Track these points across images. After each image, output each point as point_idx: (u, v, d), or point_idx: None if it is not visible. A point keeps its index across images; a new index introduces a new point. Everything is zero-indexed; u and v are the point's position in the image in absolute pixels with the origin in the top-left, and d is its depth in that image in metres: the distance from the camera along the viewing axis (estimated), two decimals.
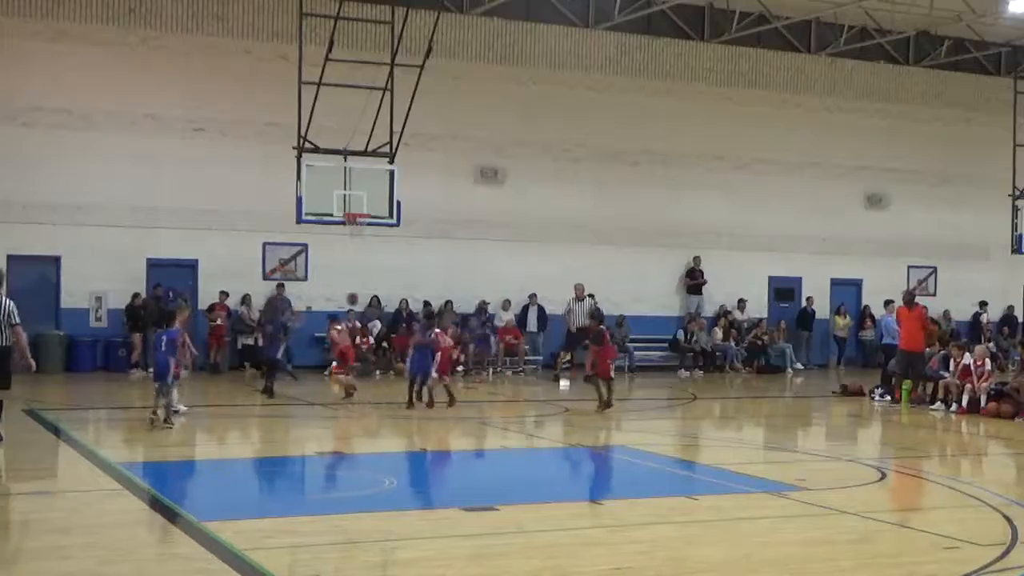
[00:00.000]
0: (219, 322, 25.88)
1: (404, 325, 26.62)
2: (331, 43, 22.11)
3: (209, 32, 26.40)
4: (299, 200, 21.80)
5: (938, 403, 21.15)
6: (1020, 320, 33.72)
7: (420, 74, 22.40)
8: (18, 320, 14.23)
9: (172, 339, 16.67)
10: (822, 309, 31.95)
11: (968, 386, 20.57)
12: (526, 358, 28.01)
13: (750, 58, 31.27)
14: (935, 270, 33.66)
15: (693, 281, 30.66)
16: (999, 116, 30.84)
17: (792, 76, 31.86)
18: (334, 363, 22.77)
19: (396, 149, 22.33)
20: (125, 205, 25.67)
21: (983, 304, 33.34)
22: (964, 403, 20.48)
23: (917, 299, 23.60)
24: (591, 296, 27.44)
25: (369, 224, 22.92)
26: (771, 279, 32.04)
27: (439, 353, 19.16)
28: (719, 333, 30.06)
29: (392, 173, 22.33)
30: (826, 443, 18.25)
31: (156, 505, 11.10)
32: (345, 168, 22.03)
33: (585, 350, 22.08)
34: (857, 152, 32.22)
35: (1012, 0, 26.84)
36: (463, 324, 26.95)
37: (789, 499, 11.72)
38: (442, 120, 27.27)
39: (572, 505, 11.44)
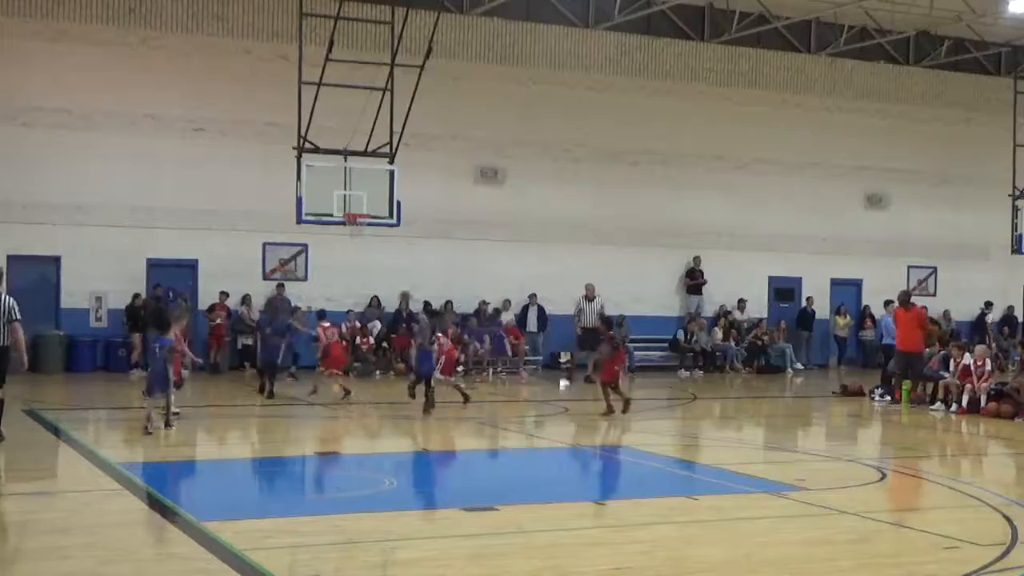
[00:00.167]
0: (219, 322, 25.89)
1: (404, 325, 26.62)
2: (331, 43, 22.11)
3: (209, 32, 26.41)
4: (299, 200, 21.80)
5: (938, 403, 21.15)
6: (1020, 320, 33.72)
7: (420, 74, 22.40)
8: (19, 316, 14.20)
9: (164, 346, 16.16)
10: (822, 309, 31.95)
11: (968, 386, 20.57)
12: (526, 358, 27.99)
13: (750, 58, 31.27)
14: (935, 270, 33.66)
15: (693, 281, 30.67)
16: (999, 116, 30.84)
17: (792, 76, 31.86)
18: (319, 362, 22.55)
19: (396, 149, 22.33)
20: (125, 205, 25.68)
21: (988, 304, 33.35)
22: (964, 403, 20.48)
23: (914, 299, 23.61)
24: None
25: (369, 224, 22.92)
26: (771, 279, 32.04)
27: (443, 356, 19.18)
28: (719, 333, 30.06)
29: (392, 173, 22.33)
30: (826, 443, 18.25)
31: (156, 505, 11.10)
32: (345, 168, 22.03)
33: (593, 351, 22.08)
34: (857, 152, 32.22)
35: (1012, 0, 26.85)
36: (463, 324, 26.95)
37: (789, 499, 11.71)
38: (442, 120, 27.28)
39: (572, 505, 11.43)
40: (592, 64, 29.68)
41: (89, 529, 9.85)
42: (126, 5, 25.78)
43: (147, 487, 12.09)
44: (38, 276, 25.23)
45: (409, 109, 22.37)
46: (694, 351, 29.26)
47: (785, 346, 30.55)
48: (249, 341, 26.17)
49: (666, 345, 29.69)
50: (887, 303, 26.06)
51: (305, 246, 27.06)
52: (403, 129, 22.30)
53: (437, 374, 18.91)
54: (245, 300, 26.57)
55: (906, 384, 21.83)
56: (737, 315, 30.91)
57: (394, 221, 22.56)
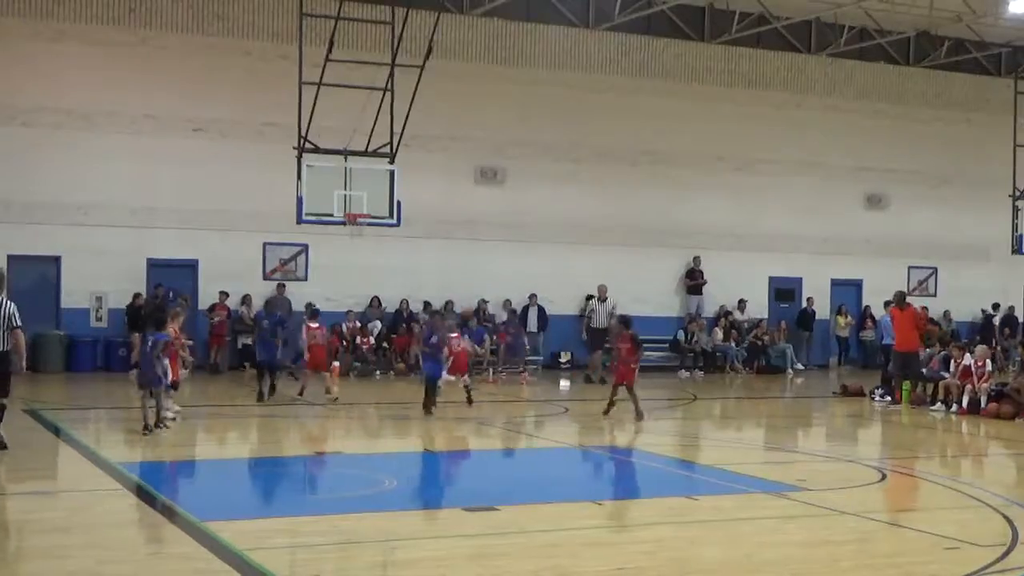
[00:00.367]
0: (219, 321, 25.87)
1: (404, 325, 26.60)
2: (331, 43, 22.09)
3: (209, 32, 26.41)
4: (299, 200, 21.78)
5: (938, 404, 21.14)
6: (1020, 320, 33.72)
7: (420, 74, 22.39)
8: (19, 323, 14.13)
9: (158, 341, 15.88)
10: (822, 309, 31.96)
11: (968, 387, 20.57)
12: (527, 358, 27.96)
13: (750, 58, 31.27)
14: (935, 270, 33.66)
15: (693, 281, 30.66)
16: (999, 116, 30.81)
17: (792, 76, 31.86)
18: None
19: (396, 149, 22.31)
20: (125, 205, 25.68)
21: (995, 306, 33.34)
22: (964, 404, 20.48)
23: (914, 300, 23.63)
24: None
25: (369, 224, 22.90)
26: (771, 279, 32.04)
27: (451, 357, 19.17)
28: (719, 333, 30.05)
29: (392, 173, 22.31)
30: (826, 443, 18.25)
31: (156, 505, 11.10)
32: (345, 168, 22.00)
33: (606, 352, 21.99)
34: (857, 152, 32.22)
35: (1012, 0, 26.84)
36: (463, 324, 26.90)
37: (789, 499, 11.71)
38: (442, 120, 27.27)
39: (573, 505, 11.42)
40: (592, 64, 29.68)
41: (89, 529, 9.85)
42: (126, 5, 25.79)
43: (147, 487, 12.09)
44: (38, 276, 25.24)
45: (409, 109, 22.36)
46: (694, 351, 29.26)
47: (785, 346, 30.55)
48: (249, 341, 26.13)
49: (666, 345, 29.67)
50: (887, 303, 26.05)
51: (305, 246, 27.06)
52: (403, 129, 22.28)
53: (445, 375, 18.91)
54: (245, 300, 26.56)
55: (906, 385, 21.84)
56: (737, 315, 30.91)
57: (394, 221, 22.54)
